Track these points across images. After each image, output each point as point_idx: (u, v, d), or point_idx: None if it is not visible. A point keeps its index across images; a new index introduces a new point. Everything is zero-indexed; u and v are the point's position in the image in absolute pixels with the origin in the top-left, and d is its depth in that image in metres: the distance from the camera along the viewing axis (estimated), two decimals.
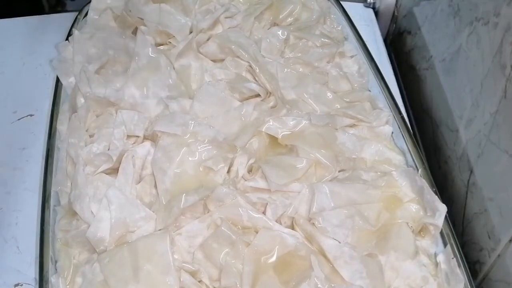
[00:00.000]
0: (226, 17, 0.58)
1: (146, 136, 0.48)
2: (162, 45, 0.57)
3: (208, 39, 0.56)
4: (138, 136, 0.47)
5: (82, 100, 0.50)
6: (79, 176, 0.44)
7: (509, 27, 0.41)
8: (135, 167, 0.45)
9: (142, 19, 0.57)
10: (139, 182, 0.45)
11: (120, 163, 0.45)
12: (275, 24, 0.60)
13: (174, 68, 0.54)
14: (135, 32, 0.57)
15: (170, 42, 0.56)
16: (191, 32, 0.56)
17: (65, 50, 0.55)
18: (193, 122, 0.47)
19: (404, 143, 0.49)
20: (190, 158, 0.45)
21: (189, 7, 0.59)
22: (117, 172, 0.44)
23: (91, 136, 0.48)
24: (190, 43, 0.54)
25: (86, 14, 0.60)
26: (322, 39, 0.57)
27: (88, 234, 0.41)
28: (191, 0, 0.59)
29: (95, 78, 0.51)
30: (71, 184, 0.44)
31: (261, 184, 0.44)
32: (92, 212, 0.42)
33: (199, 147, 0.46)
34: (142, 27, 0.56)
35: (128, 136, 0.47)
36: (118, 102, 0.50)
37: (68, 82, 0.53)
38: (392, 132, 0.50)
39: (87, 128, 0.49)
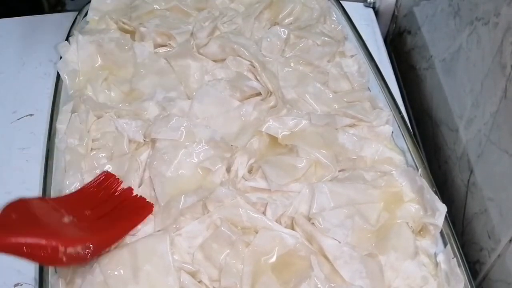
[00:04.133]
0: (224, 22, 0.58)
1: (146, 140, 0.48)
2: (162, 46, 0.57)
3: (208, 42, 0.56)
4: (139, 142, 0.47)
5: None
6: (76, 181, 0.44)
7: (509, 27, 0.41)
8: (138, 172, 0.45)
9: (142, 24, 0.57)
10: (140, 185, 0.45)
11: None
12: (275, 23, 0.60)
13: (173, 69, 0.54)
14: (133, 36, 0.57)
15: (170, 44, 0.56)
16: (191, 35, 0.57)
17: (67, 51, 0.55)
18: (189, 124, 0.47)
19: (404, 142, 0.49)
20: (187, 160, 0.45)
21: (189, 15, 0.59)
22: (118, 175, 0.44)
23: (94, 140, 0.48)
24: (189, 46, 0.55)
25: (86, 14, 0.60)
26: (323, 38, 0.57)
27: None
28: (191, 7, 0.60)
29: (100, 87, 0.52)
30: (66, 188, 0.44)
31: (261, 184, 0.44)
32: None
33: (196, 148, 0.46)
34: (142, 28, 0.56)
35: (129, 141, 0.47)
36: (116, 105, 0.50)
37: (73, 83, 0.53)
38: (392, 132, 0.50)
39: (89, 130, 0.49)
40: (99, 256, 0.38)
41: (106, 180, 0.43)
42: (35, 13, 0.69)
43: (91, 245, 0.36)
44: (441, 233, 0.42)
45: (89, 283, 0.39)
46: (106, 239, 0.39)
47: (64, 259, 0.34)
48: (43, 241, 0.33)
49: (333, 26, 0.61)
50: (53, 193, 0.44)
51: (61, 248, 0.34)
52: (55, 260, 0.34)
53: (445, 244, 0.42)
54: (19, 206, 0.36)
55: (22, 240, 0.33)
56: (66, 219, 0.37)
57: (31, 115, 0.56)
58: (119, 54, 0.55)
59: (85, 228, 0.38)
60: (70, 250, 0.34)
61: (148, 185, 0.45)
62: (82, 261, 0.37)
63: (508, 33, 0.41)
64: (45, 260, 0.35)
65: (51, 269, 0.40)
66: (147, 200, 0.43)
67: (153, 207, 0.43)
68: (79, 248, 0.35)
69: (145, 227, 0.42)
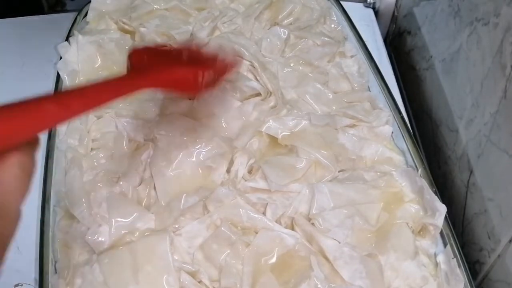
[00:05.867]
0: (224, 22, 0.58)
1: (146, 140, 0.48)
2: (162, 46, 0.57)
3: (208, 42, 0.56)
4: (139, 141, 0.47)
5: None
6: (75, 181, 0.44)
7: (509, 27, 0.41)
8: (137, 170, 0.45)
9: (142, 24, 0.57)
10: (140, 184, 0.45)
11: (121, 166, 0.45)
12: (275, 24, 0.60)
13: None
14: (133, 37, 0.57)
15: (170, 44, 0.56)
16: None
17: (67, 51, 0.55)
18: (190, 124, 0.47)
19: (404, 143, 0.49)
20: (188, 159, 0.45)
21: (189, 15, 0.59)
22: (118, 174, 0.44)
23: (94, 140, 0.48)
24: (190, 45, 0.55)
25: (86, 14, 0.60)
26: (323, 38, 0.57)
27: (87, 237, 0.41)
28: (191, 7, 0.60)
29: None
30: (66, 188, 0.44)
31: (261, 184, 0.44)
32: (91, 215, 0.42)
33: (197, 148, 0.46)
34: (142, 29, 0.56)
35: (130, 140, 0.47)
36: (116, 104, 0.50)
37: (73, 83, 0.53)
38: (392, 132, 0.50)
39: (88, 130, 0.49)
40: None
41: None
42: (34, 13, 0.69)
43: (212, 74, 0.38)
44: (441, 233, 0.42)
45: (89, 283, 0.39)
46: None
47: (203, 85, 0.37)
48: (185, 71, 0.36)
49: (333, 26, 0.61)
50: (53, 193, 0.44)
51: (200, 75, 0.36)
52: (196, 87, 0.37)
53: (445, 245, 0.42)
54: (141, 52, 0.37)
55: (170, 74, 0.35)
56: (184, 56, 0.40)
57: None
58: (119, 55, 0.55)
59: (200, 62, 0.39)
60: (206, 76, 0.37)
61: (148, 184, 0.45)
62: (212, 87, 0.39)
63: (508, 33, 0.41)
64: (189, 88, 0.37)
65: (51, 269, 0.40)
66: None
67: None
68: (211, 75, 0.37)
69: (146, 227, 0.42)
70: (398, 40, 0.72)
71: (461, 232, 0.49)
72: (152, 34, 0.56)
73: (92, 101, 0.25)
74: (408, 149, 0.48)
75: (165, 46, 0.46)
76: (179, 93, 0.43)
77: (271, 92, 0.51)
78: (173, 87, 0.36)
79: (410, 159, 0.47)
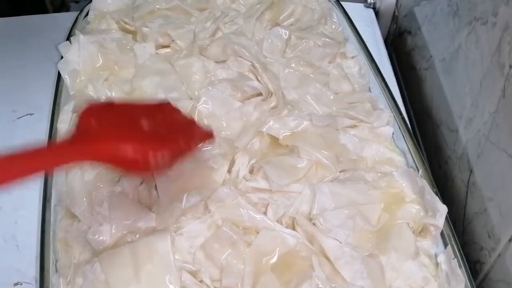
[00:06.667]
0: (225, 23, 0.58)
1: None
2: (164, 47, 0.57)
3: (210, 43, 0.56)
4: None
5: None
6: (76, 181, 0.44)
7: (507, 27, 0.41)
8: None
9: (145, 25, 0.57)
10: (141, 184, 0.45)
11: None
12: (276, 24, 0.60)
13: (175, 70, 0.54)
14: (135, 37, 0.58)
15: (172, 46, 0.56)
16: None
17: (68, 51, 0.55)
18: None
19: (404, 144, 0.49)
20: (189, 159, 0.45)
21: (190, 15, 0.60)
22: (119, 174, 0.44)
23: None
24: (192, 49, 0.55)
25: (87, 14, 0.60)
26: (324, 39, 0.57)
27: (88, 236, 0.41)
28: (193, 7, 0.60)
29: (101, 87, 0.52)
30: (67, 187, 0.44)
31: (262, 184, 0.44)
32: (92, 214, 0.42)
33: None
34: (144, 29, 0.56)
35: None
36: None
37: (74, 83, 0.53)
38: (393, 133, 0.50)
39: None
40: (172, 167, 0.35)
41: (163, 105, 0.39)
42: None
43: (170, 153, 0.33)
44: (442, 233, 0.42)
45: (90, 282, 0.39)
46: (180, 151, 0.35)
47: (153, 167, 0.32)
48: (134, 149, 0.31)
49: (334, 27, 0.61)
50: (54, 192, 0.44)
51: (151, 156, 0.31)
52: (145, 168, 0.32)
53: (445, 245, 0.42)
54: (94, 112, 0.32)
55: (114, 149, 0.30)
56: (143, 123, 0.34)
57: (31, 114, 0.56)
58: (120, 55, 0.55)
59: (161, 134, 0.34)
60: (159, 158, 0.32)
61: (149, 184, 0.45)
62: (167, 168, 0.34)
63: (506, 32, 0.41)
64: (135, 169, 0.32)
65: (52, 268, 0.40)
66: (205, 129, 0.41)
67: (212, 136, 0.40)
68: (165, 156, 0.32)
69: (147, 226, 0.42)
70: (399, 40, 0.72)
71: (462, 231, 0.49)
72: (154, 34, 0.56)
73: (21, 170, 0.22)
74: (409, 150, 0.48)
75: (133, 103, 0.39)
76: (123, 172, 0.37)
77: (272, 93, 0.51)
78: (116, 165, 0.31)
79: (410, 160, 0.47)
